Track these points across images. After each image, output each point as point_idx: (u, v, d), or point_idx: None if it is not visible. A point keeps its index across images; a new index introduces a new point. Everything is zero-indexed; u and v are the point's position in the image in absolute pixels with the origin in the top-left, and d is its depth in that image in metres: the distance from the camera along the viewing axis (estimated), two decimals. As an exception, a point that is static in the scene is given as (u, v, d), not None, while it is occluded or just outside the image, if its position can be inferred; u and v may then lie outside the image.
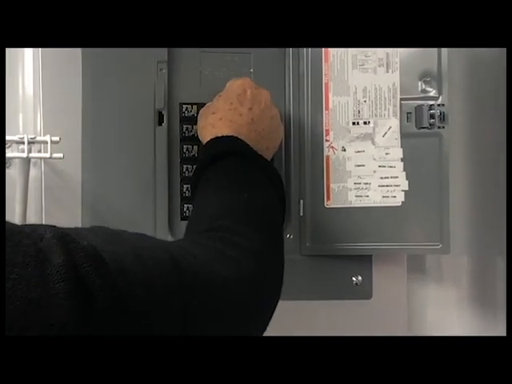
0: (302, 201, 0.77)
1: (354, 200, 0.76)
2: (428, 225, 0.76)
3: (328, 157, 0.76)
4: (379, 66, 0.75)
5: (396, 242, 0.76)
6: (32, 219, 0.73)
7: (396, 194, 0.76)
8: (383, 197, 0.76)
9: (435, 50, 0.75)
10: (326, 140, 0.76)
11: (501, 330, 0.88)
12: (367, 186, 0.76)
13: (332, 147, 0.76)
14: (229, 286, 0.48)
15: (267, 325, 0.54)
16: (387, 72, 0.75)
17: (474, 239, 0.89)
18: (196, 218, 0.59)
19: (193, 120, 0.75)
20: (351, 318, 0.80)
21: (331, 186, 0.76)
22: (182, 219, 0.76)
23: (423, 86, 0.75)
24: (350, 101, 0.76)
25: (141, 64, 0.74)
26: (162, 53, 0.74)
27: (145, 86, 0.74)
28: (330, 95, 0.76)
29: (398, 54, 0.75)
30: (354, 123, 0.76)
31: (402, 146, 0.75)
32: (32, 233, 0.37)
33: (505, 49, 0.78)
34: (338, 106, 0.76)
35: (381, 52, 0.75)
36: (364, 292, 0.80)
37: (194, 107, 0.76)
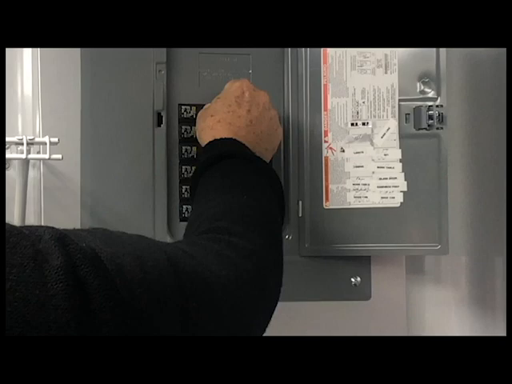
0: (300, 202, 0.77)
1: (352, 201, 0.76)
2: (427, 226, 0.76)
3: (327, 158, 0.76)
4: (378, 67, 0.75)
5: (395, 242, 0.76)
6: (31, 220, 0.73)
7: (395, 194, 0.76)
8: (382, 198, 0.76)
9: (434, 51, 0.75)
10: (325, 141, 0.76)
11: (500, 331, 0.88)
12: (366, 186, 0.76)
13: (331, 148, 0.76)
14: (227, 286, 0.48)
15: (266, 326, 0.54)
16: (386, 73, 0.76)
17: (473, 240, 0.89)
18: (195, 219, 0.59)
19: (192, 121, 0.75)
20: (350, 319, 0.80)
21: (330, 186, 0.76)
22: (181, 220, 0.76)
23: (422, 87, 0.76)
24: (348, 102, 0.76)
25: (140, 65, 0.74)
26: (160, 54, 0.74)
27: (144, 87, 0.74)
28: (329, 96, 0.76)
29: (396, 55, 0.75)
30: (352, 124, 0.76)
31: (400, 147, 0.76)
32: (31, 234, 0.37)
33: (504, 50, 0.78)
34: (336, 107, 0.76)
35: (379, 53, 0.75)
36: (363, 293, 0.80)
37: (193, 108, 0.76)
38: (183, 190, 0.76)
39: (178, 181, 0.76)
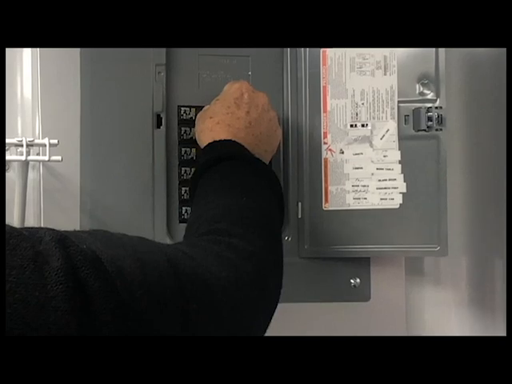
0: (300, 203, 0.77)
1: (352, 202, 0.76)
2: (426, 227, 0.76)
3: (326, 159, 0.76)
4: (377, 68, 0.76)
5: (394, 244, 0.76)
6: (30, 222, 0.73)
7: (394, 196, 0.76)
8: (381, 199, 0.76)
9: (433, 52, 0.75)
10: (324, 143, 0.76)
11: (500, 332, 0.88)
12: (365, 188, 0.76)
13: (330, 150, 0.76)
14: (227, 288, 0.48)
15: (267, 327, 0.54)
16: (385, 75, 0.76)
17: (472, 241, 0.89)
18: (194, 220, 0.59)
19: (191, 123, 0.75)
20: (349, 320, 0.80)
21: (329, 188, 0.76)
22: (180, 222, 0.76)
23: (421, 89, 0.76)
24: (347, 103, 0.76)
25: (139, 67, 0.74)
26: (160, 56, 0.74)
27: (143, 88, 0.74)
28: (328, 98, 0.76)
29: (395, 56, 0.75)
30: (351, 126, 0.76)
31: (399, 149, 0.76)
32: (31, 236, 0.37)
33: (503, 50, 0.78)
34: (335, 109, 0.76)
35: (378, 55, 0.75)
36: (362, 294, 0.80)
37: (193, 110, 0.76)
38: (183, 192, 0.76)
39: (177, 182, 0.76)
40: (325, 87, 0.76)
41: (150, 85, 0.74)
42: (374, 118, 0.76)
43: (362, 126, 0.76)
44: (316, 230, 0.77)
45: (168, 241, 0.74)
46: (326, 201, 0.76)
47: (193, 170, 0.74)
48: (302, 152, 0.77)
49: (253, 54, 0.77)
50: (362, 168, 0.76)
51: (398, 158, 0.76)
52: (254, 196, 0.60)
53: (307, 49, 0.76)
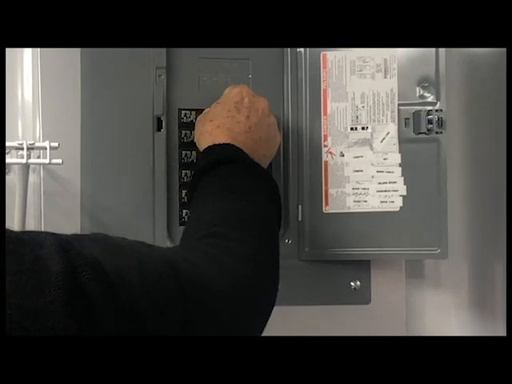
0: (300, 206, 0.77)
1: (352, 205, 0.76)
2: (426, 230, 0.76)
3: (326, 162, 0.76)
4: (377, 71, 0.76)
5: (394, 247, 0.76)
6: (31, 225, 0.73)
7: (394, 199, 0.76)
8: (381, 202, 0.76)
9: (433, 55, 0.75)
10: (325, 145, 0.76)
11: (500, 334, 0.88)
12: (365, 191, 0.76)
13: (330, 152, 0.76)
14: (226, 290, 0.49)
15: (263, 328, 0.54)
16: (385, 78, 0.76)
17: (472, 244, 0.89)
18: (193, 224, 0.60)
19: (191, 126, 0.75)
20: (349, 323, 0.80)
21: (329, 191, 0.76)
22: (180, 224, 0.76)
23: (421, 92, 0.76)
24: (348, 106, 0.76)
25: (139, 70, 0.74)
26: (160, 58, 0.74)
27: (143, 92, 0.74)
28: (328, 101, 0.76)
29: (395, 59, 0.76)
30: (352, 129, 0.76)
31: (400, 152, 0.76)
32: (31, 240, 0.37)
33: (503, 52, 0.78)
34: (336, 112, 0.76)
35: (379, 58, 0.75)
36: (362, 297, 0.80)
37: (193, 113, 0.76)
38: (183, 195, 0.76)
39: (177, 185, 0.76)
40: (325, 90, 0.76)
41: (151, 88, 0.74)
42: (374, 121, 0.76)
43: (363, 128, 0.76)
44: (316, 232, 0.77)
45: (168, 243, 0.74)
46: (327, 203, 0.76)
47: (192, 173, 0.74)
48: (303, 155, 0.77)
49: (253, 56, 0.77)
50: (362, 171, 0.76)
51: (399, 160, 0.76)
52: (252, 200, 0.61)
53: (307, 51, 0.76)
